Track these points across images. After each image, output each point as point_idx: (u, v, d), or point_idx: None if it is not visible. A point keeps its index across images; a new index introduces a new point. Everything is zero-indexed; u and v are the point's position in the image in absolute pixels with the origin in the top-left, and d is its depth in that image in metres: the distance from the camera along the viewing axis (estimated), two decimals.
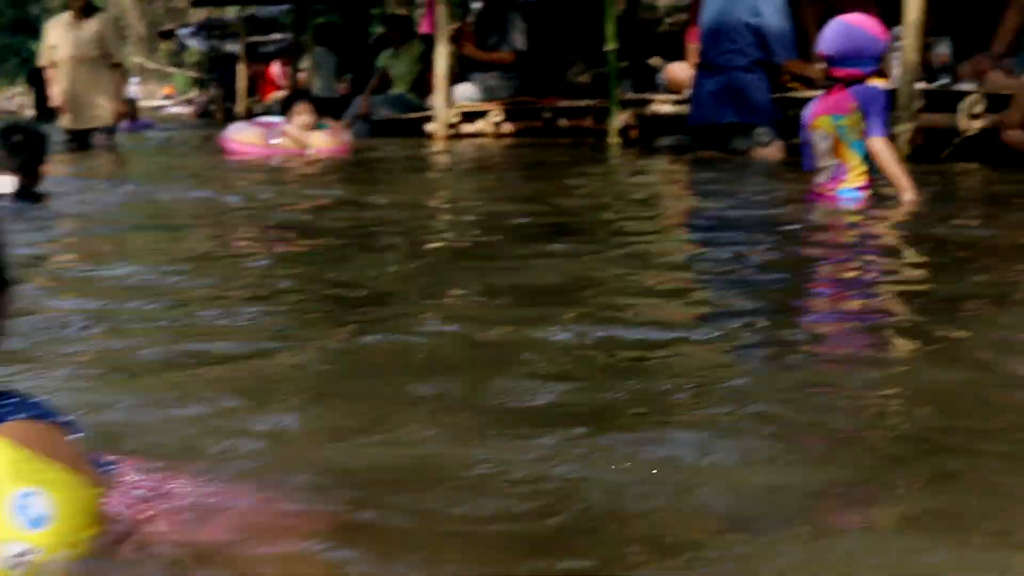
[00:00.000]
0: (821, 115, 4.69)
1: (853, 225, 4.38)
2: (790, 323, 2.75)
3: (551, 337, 2.40)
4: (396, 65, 13.09)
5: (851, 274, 3.47)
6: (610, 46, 9.24)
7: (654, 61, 12.90)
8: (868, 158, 4.61)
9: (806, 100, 7.54)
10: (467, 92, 11.94)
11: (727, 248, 3.86)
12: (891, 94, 6.82)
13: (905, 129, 6.80)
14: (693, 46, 8.03)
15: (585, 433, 1.77)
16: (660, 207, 5.50)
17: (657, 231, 4.56)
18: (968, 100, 7.09)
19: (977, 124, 7.09)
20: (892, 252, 3.81)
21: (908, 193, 4.51)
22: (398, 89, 13.02)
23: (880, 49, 4.66)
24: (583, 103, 10.85)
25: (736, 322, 2.56)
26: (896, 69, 7.07)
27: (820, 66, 7.77)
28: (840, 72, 4.64)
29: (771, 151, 7.42)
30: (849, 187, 4.65)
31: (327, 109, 12.80)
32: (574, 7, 13.54)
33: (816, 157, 4.72)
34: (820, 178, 4.72)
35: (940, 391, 2.05)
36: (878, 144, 4.54)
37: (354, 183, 6.72)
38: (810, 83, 7.94)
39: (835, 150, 4.64)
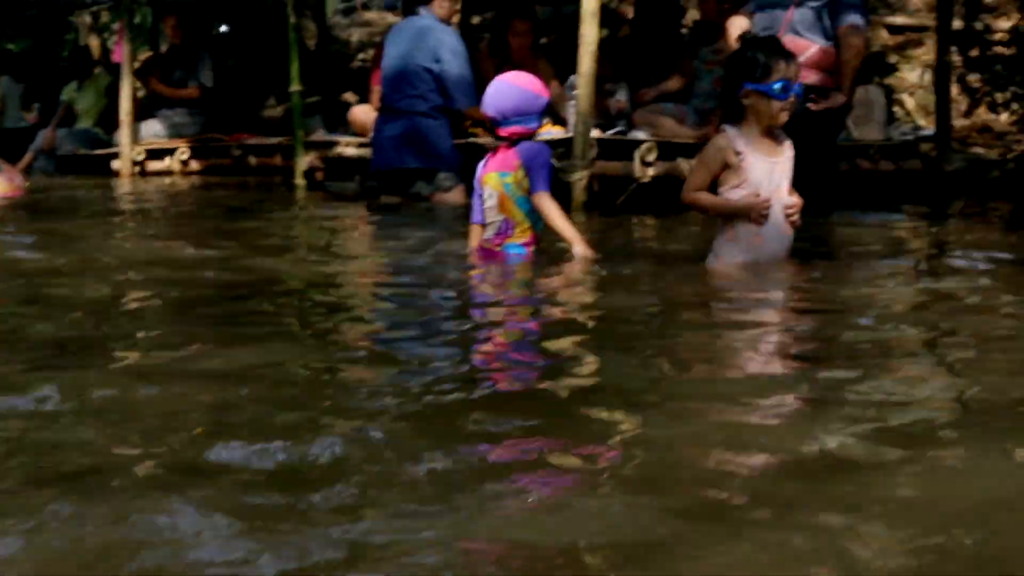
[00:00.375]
0: (490, 172, 4.70)
1: (518, 279, 4.42)
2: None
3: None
4: (81, 98, 12.53)
5: (514, 324, 3.46)
6: (294, 87, 9.07)
7: (347, 97, 12.84)
8: (532, 214, 4.63)
9: (487, 147, 7.68)
10: (154, 128, 11.55)
11: (401, 299, 3.84)
12: (565, 143, 7.00)
13: (581, 177, 6.91)
14: (377, 89, 7.98)
15: None
16: (335, 257, 5.36)
17: (328, 283, 4.41)
18: (642, 148, 7.31)
19: (651, 171, 7.32)
20: (554, 305, 3.81)
21: (578, 246, 4.55)
22: (84, 123, 12.47)
23: (541, 105, 4.72)
24: (272, 141, 10.62)
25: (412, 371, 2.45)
26: (571, 117, 7.21)
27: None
28: (505, 131, 4.66)
29: (453, 196, 7.43)
30: (515, 243, 4.68)
31: (17, 141, 12.14)
32: (266, 40, 13.32)
33: (484, 212, 4.73)
34: (488, 233, 4.73)
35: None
36: (542, 200, 4.59)
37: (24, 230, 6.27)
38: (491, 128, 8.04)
39: (501, 206, 4.66)
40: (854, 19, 6.57)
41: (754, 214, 4.25)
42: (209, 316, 3.56)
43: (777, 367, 2.93)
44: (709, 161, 4.34)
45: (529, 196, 4.61)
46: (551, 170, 4.65)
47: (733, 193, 4.29)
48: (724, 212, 4.35)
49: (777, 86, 4.18)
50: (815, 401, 2.49)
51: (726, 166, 4.27)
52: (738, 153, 4.24)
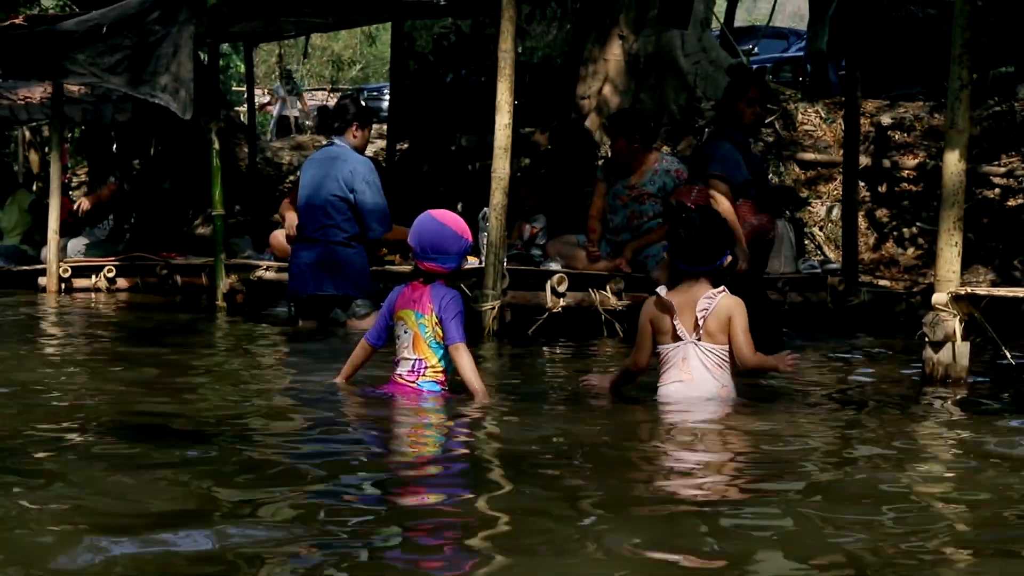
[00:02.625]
0: (405, 308, 4.76)
1: (430, 413, 4.54)
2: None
3: None
4: (4, 216, 12.62)
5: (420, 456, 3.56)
6: (217, 210, 9.22)
7: (277, 218, 13.00)
8: (445, 358, 4.71)
9: (403, 274, 7.84)
10: (80, 246, 11.63)
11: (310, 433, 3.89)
12: (477, 273, 7.18)
13: (492, 306, 7.08)
14: (290, 216, 8.09)
15: None
16: (245, 384, 5.41)
17: (238, 413, 4.45)
18: (554, 278, 7.51)
19: (562, 302, 7.51)
20: (462, 438, 3.92)
21: (481, 398, 4.61)
22: (10, 241, 12.54)
23: (464, 247, 4.77)
24: (196, 261, 10.74)
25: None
26: (484, 248, 7.41)
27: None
28: (425, 265, 4.74)
29: (368, 322, 7.52)
30: (428, 380, 4.72)
31: None
32: (196, 160, 13.51)
33: (399, 348, 4.78)
34: (402, 369, 4.76)
35: None
36: (458, 351, 4.65)
37: None
38: (407, 253, 8.22)
39: (416, 345, 4.71)
40: (711, 169, 6.93)
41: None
42: (119, 446, 3.64)
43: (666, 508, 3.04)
44: None
45: (444, 343, 4.68)
46: (464, 318, 4.71)
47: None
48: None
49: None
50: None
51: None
52: None
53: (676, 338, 4.59)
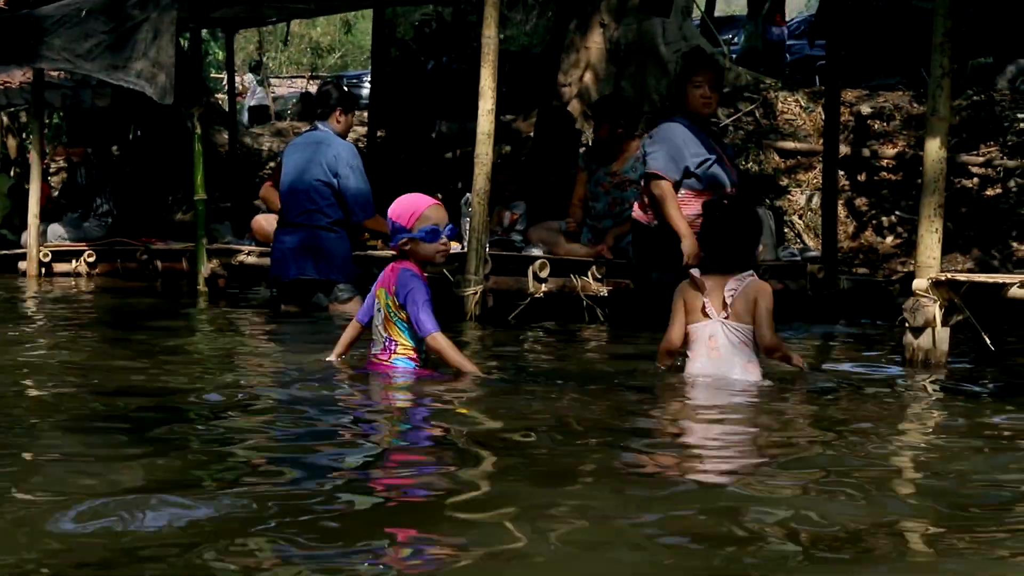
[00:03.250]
0: (380, 287, 4.82)
1: (403, 389, 4.56)
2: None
3: None
4: None
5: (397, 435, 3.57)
6: (199, 195, 9.21)
7: (257, 203, 12.99)
8: (413, 337, 4.74)
9: (386, 258, 7.86)
10: (61, 231, 11.61)
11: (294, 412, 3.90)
12: (460, 258, 7.19)
13: (474, 291, 7.10)
14: (267, 197, 8.12)
15: None
16: (227, 367, 5.41)
17: (221, 395, 4.45)
18: (535, 264, 7.53)
19: (544, 287, 7.54)
20: (439, 417, 3.94)
21: (474, 375, 4.65)
22: None
23: (394, 226, 4.78)
24: (177, 246, 10.75)
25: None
26: (466, 234, 7.43)
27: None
28: (392, 245, 4.83)
29: (351, 307, 7.55)
30: (401, 357, 4.77)
31: None
32: (176, 146, 13.49)
33: (374, 326, 4.84)
34: (375, 348, 4.83)
35: None
36: (434, 342, 4.65)
37: None
38: (388, 239, 8.24)
39: (385, 324, 4.77)
40: (647, 168, 7.01)
41: None
42: (100, 428, 3.65)
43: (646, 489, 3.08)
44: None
45: (407, 322, 4.71)
46: (431, 304, 4.69)
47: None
48: None
49: None
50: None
51: None
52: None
53: (705, 316, 4.82)
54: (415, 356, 4.79)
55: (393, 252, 4.89)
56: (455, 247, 7.73)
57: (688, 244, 6.67)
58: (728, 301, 4.77)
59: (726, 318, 4.78)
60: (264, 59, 27.05)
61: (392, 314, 4.75)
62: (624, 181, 8.04)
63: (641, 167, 7.95)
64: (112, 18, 8.68)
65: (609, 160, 8.15)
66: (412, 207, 4.78)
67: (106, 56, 8.68)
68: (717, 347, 4.80)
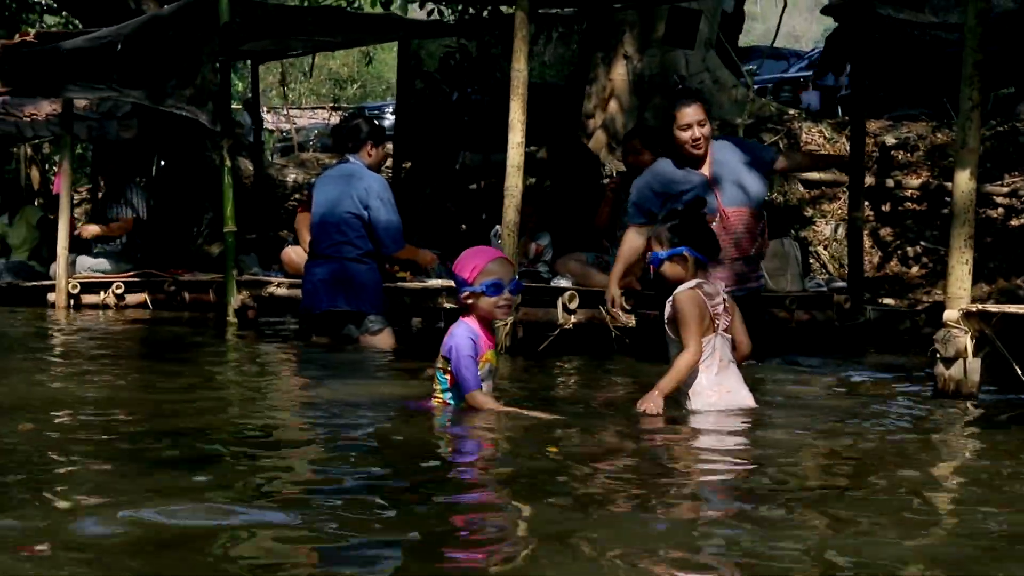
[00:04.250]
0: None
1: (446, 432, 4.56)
2: None
3: None
4: (12, 232, 12.69)
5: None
6: (228, 227, 9.28)
7: (283, 235, 13.10)
8: (450, 392, 4.70)
9: (416, 290, 7.91)
10: (89, 262, 11.70)
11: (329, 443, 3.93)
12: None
13: (504, 323, 7.14)
14: (302, 230, 8.20)
15: None
16: (263, 399, 5.46)
17: (256, 428, 4.51)
18: (565, 295, 7.57)
19: (573, 319, 7.57)
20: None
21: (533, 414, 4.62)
22: (17, 256, 12.62)
23: (458, 280, 4.72)
24: (205, 277, 10.84)
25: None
26: None
27: (428, 255, 8.12)
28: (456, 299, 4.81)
29: (381, 339, 7.62)
30: (437, 401, 4.75)
31: None
32: (202, 178, 13.60)
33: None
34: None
35: None
36: (471, 400, 4.60)
37: None
38: (418, 269, 8.30)
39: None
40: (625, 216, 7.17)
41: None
42: (134, 459, 3.69)
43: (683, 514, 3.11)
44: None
45: (446, 375, 4.67)
46: (472, 361, 4.60)
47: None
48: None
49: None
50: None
51: None
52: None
53: (713, 328, 4.87)
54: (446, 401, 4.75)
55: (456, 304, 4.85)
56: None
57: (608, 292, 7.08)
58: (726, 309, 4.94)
59: (725, 330, 4.92)
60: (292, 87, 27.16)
61: (437, 363, 4.74)
62: None
63: None
64: (149, 48, 8.80)
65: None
66: (474, 260, 4.70)
67: (149, 85, 8.80)
68: (725, 358, 4.91)
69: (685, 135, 6.85)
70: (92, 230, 11.73)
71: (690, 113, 6.84)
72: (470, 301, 4.68)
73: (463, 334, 4.64)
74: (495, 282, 4.62)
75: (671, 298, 4.92)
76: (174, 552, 2.56)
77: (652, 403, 4.68)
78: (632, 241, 7.00)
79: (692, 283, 4.90)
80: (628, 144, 8.53)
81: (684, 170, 6.99)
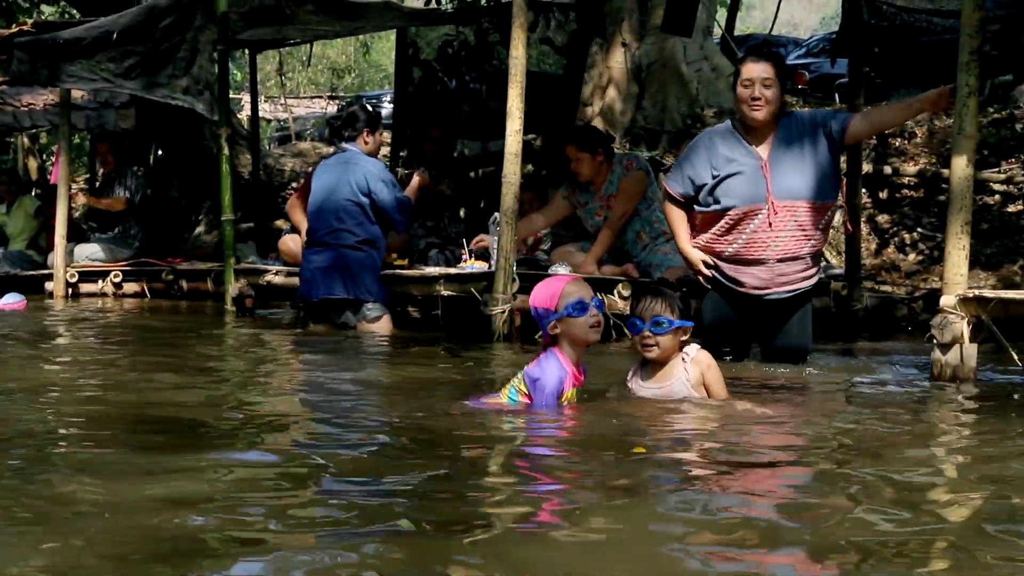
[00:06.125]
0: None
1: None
2: None
3: None
4: (10, 222, 12.71)
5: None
6: (226, 216, 9.29)
7: (280, 223, 13.11)
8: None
9: (413, 278, 7.92)
10: (88, 251, 11.71)
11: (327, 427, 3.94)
12: (488, 277, 7.25)
13: (502, 310, 7.15)
14: (296, 214, 8.24)
15: None
16: (261, 385, 5.47)
17: (255, 412, 4.51)
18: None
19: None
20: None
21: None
22: (15, 246, 12.63)
23: (537, 313, 4.52)
24: (203, 266, 10.86)
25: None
26: (494, 252, 7.49)
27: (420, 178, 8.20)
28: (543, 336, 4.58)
29: (380, 326, 7.64)
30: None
31: None
32: (200, 167, 13.60)
33: None
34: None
35: None
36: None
37: None
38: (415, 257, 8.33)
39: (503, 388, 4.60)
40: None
41: None
42: (130, 444, 3.71)
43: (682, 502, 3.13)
44: None
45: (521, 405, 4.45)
46: (554, 399, 4.39)
47: None
48: None
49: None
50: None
51: None
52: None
53: None
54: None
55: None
56: (481, 266, 7.81)
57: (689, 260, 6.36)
58: None
59: None
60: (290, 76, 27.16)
61: (515, 381, 4.51)
62: (610, 196, 8.13)
63: (616, 175, 8.07)
64: (146, 38, 8.80)
65: (588, 186, 8.21)
66: (551, 288, 4.49)
67: (146, 74, 8.81)
68: None
69: (745, 92, 6.02)
70: (81, 199, 11.78)
71: (756, 69, 6.02)
72: (558, 330, 4.43)
73: (555, 372, 4.40)
74: (579, 301, 4.39)
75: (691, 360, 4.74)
76: (170, 532, 2.58)
77: None
78: (675, 211, 6.37)
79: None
80: (565, 153, 8.29)
81: (744, 145, 6.15)
